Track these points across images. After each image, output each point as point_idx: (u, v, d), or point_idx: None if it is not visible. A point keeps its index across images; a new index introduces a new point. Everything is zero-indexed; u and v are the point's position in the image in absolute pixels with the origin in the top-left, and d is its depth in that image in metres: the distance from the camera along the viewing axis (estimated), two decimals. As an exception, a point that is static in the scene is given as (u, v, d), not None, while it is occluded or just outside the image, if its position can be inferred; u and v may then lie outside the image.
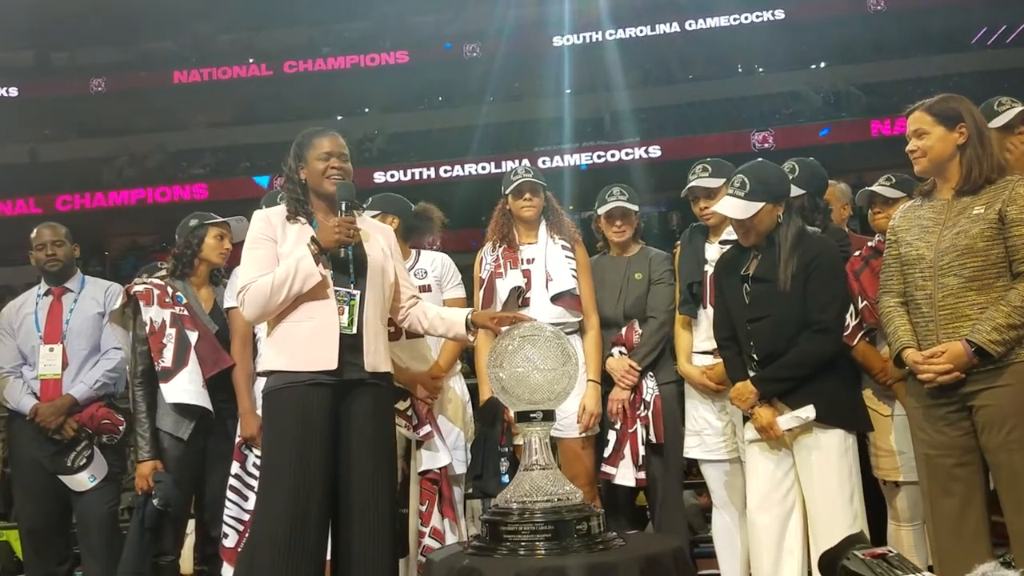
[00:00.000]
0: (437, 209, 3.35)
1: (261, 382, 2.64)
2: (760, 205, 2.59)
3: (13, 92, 19.18)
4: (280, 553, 2.34)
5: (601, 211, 3.21)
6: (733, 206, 2.62)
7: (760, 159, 2.80)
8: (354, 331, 2.51)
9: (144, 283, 3.15)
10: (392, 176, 17.47)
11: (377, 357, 2.54)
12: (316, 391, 2.45)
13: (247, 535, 2.43)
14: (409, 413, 3.01)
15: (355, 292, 2.53)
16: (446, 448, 3.07)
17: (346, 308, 2.52)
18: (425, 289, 3.14)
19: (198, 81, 19.42)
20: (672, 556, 2.15)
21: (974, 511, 2.41)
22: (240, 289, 2.52)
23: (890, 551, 2.23)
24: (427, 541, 2.96)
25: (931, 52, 17.83)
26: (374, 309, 2.56)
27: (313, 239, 2.52)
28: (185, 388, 3.02)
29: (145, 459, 3.03)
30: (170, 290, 3.15)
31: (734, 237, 2.91)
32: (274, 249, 2.54)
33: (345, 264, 2.53)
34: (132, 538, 3.01)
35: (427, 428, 3.02)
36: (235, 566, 2.95)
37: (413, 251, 3.25)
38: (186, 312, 3.12)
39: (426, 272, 3.21)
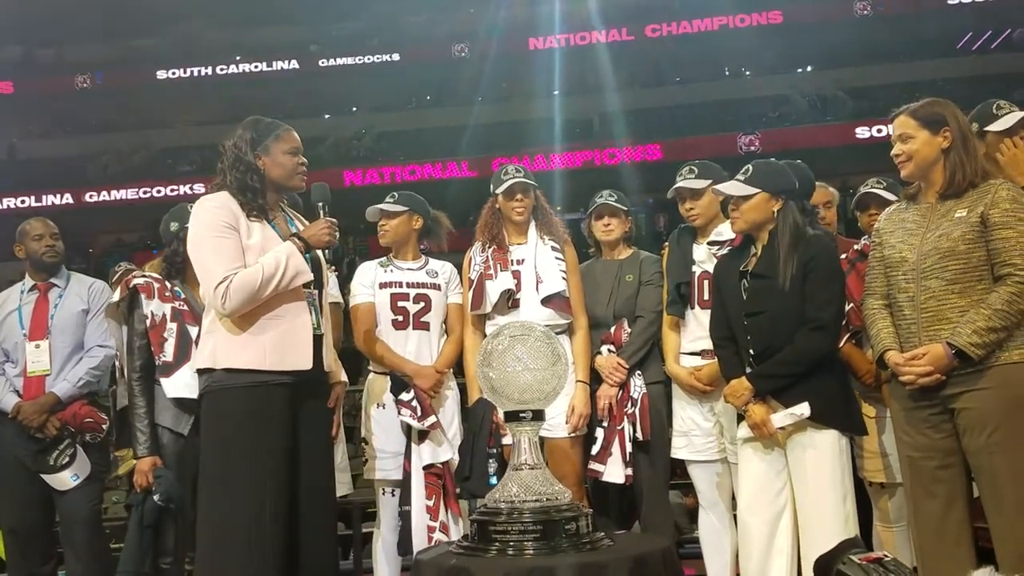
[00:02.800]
0: (446, 218, 3.39)
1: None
2: (755, 191, 2.64)
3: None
4: (253, 553, 2.33)
5: (590, 209, 3.27)
6: (732, 185, 2.71)
7: (772, 159, 2.86)
8: (321, 331, 2.55)
9: (144, 276, 3.09)
10: (382, 175, 17.39)
11: (329, 357, 2.63)
12: (278, 390, 2.44)
13: (209, 534, 2.39)
14: (414, 404, 3.03)
15: (314, 292, 2.56)
16: (448, 442, 3.09)
17: (312, 309, 2.53)
18: (435, 288, 3.21)
19: (185, 78, 19.28)
20: (661, 556, 2.16)
21: (956, 513, 2.42)
22: (221, 280, 2.39)
23: (886, 555, 2.23)
24: (437, 536, 2.96)
25: (918, 57, 17.95)
26: (324, 310, 2.63)
27: (299, 236, 2.50)
28: (188, 383, 2.92)
29: (144, 455, 2.93)
30: (168, 284, 3.09)
31: (721, 238, 2.95)
32: (240, 241, 2.46)
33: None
34: (131, 537, 2.91)
35: (432, 418, 3.04)
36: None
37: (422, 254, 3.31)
38: (186, 307, 3.06)
39: (436, 273, 3.26)
